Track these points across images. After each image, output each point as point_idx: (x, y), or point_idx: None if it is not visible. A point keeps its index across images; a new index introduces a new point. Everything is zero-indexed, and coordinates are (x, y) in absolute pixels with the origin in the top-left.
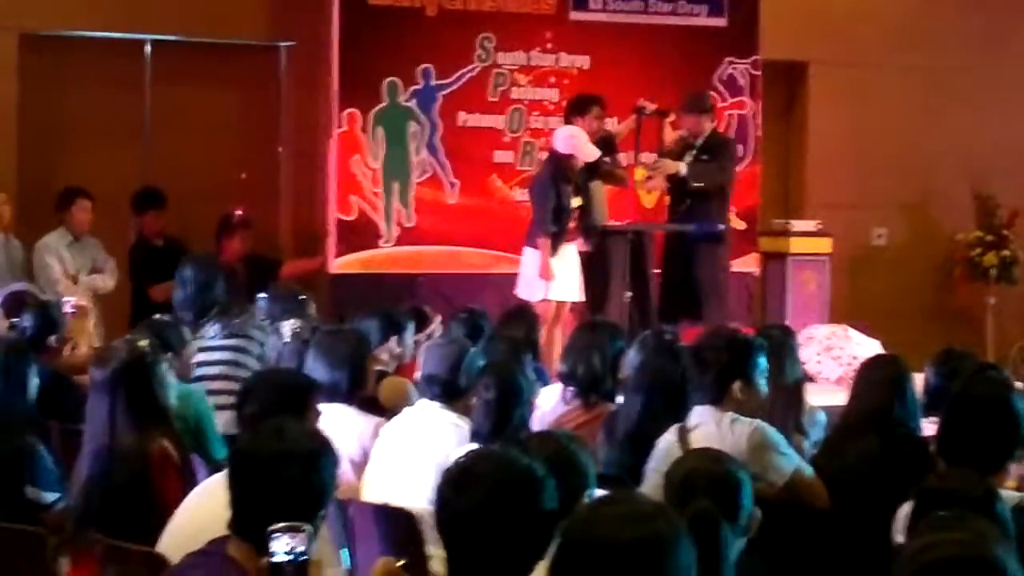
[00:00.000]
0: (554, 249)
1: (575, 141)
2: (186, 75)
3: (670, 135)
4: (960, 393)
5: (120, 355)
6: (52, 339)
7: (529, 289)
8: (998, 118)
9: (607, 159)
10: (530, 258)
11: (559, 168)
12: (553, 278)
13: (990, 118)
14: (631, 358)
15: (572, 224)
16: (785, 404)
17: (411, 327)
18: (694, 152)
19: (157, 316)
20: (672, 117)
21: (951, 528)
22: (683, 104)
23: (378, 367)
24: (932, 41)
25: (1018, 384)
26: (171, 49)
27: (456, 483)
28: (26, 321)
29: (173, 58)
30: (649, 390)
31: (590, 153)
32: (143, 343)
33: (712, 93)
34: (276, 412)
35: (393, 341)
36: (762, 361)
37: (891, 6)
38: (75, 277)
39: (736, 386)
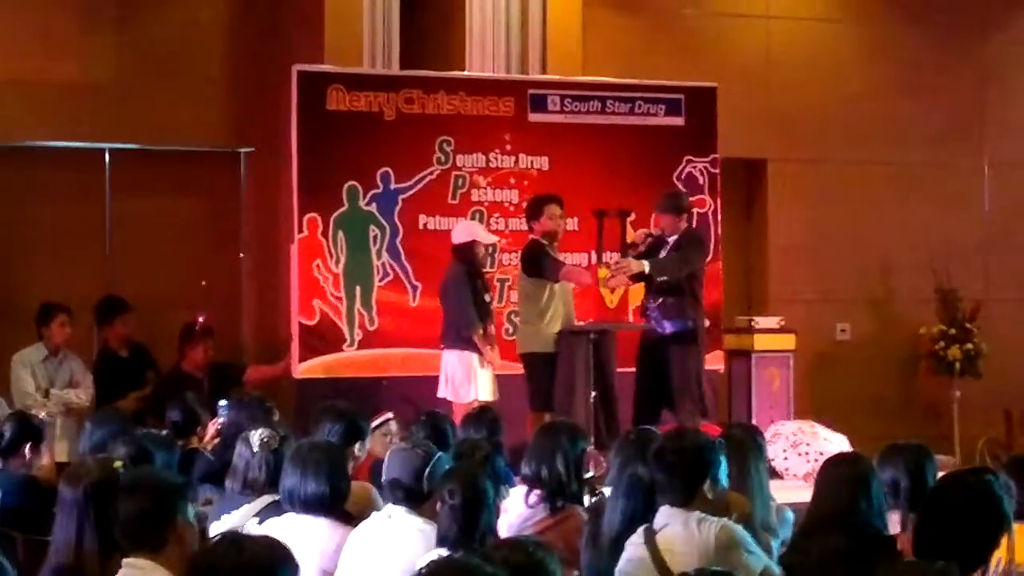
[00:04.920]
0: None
1: (471, 227)
2: (146, 183)
3: (631, 234)
4: (939, 487)
5: (92, 473)
6: (27, 447)
7: (459, 390)
8: (957, 211)
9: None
10: (455, 360)
11: (468, 262)
12: (495, 366)
13: (950, 211)
14: (611, 460)
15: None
16: (753, 503)
17: (369, 431)
18: (667, 249)
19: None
20: (632, 217)
21: None
22: (660, 203)
23: None
24: (890, 136)
25: None
26: (130, 157)
27: None
28: (4, 427)
29: (132, 166)
30: (628, 495)
31: (487, 236)
32: (117, 462)
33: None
34: None
35: (356, 447)
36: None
37: (848, 103)
38: (47, 391)
39: (705, 486)
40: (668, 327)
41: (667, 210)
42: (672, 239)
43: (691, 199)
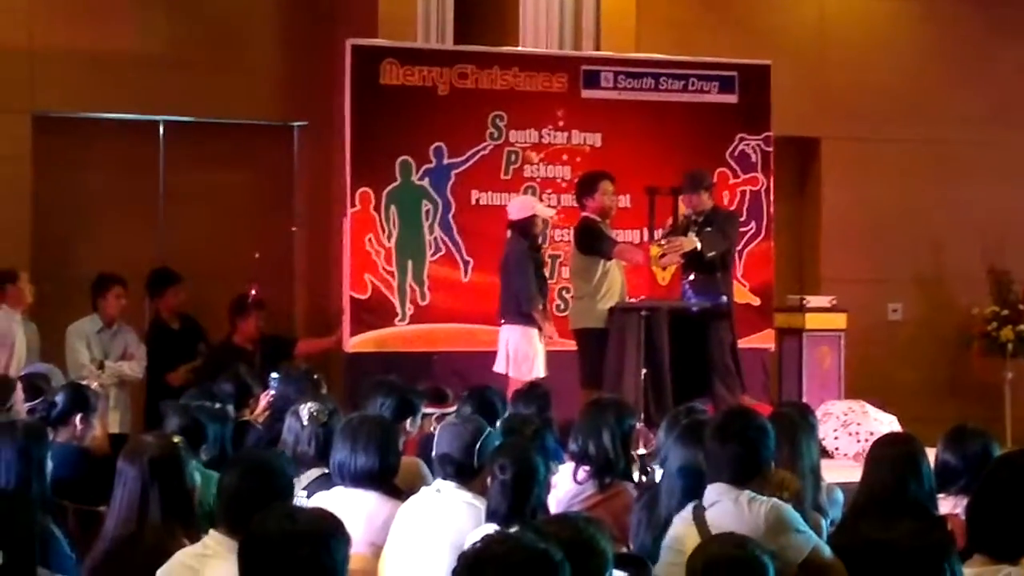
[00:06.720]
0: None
1: (530, 202)
2: (199, 156)
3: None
4: (992, 469)
5: (151, 449)
6: (78, 417)
7: (521, 366)
8: (1011, 191)
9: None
10: (518, 335)
11: (527, 236)
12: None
13: (1003, 191)
14: (661, 439)
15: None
16: (803, 482)
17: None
18: (697, 228)
19: (195, 402)
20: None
21: None
22: (683, 185)
23: None
24: (944, 115)
25: None
26: (184, 130)
27: (472, 568)
28: (58, 397)
29: (187, 139)
30: (689, 475)
31: (545, 210)
32: (177, 438)
33: (722, 170)
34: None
35: (408, 422)
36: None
37: (902, 81)
38: (101, 363)
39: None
40: (702, 303)
41: (690, 189)
42: (701, 217)
43: (744, 177)
